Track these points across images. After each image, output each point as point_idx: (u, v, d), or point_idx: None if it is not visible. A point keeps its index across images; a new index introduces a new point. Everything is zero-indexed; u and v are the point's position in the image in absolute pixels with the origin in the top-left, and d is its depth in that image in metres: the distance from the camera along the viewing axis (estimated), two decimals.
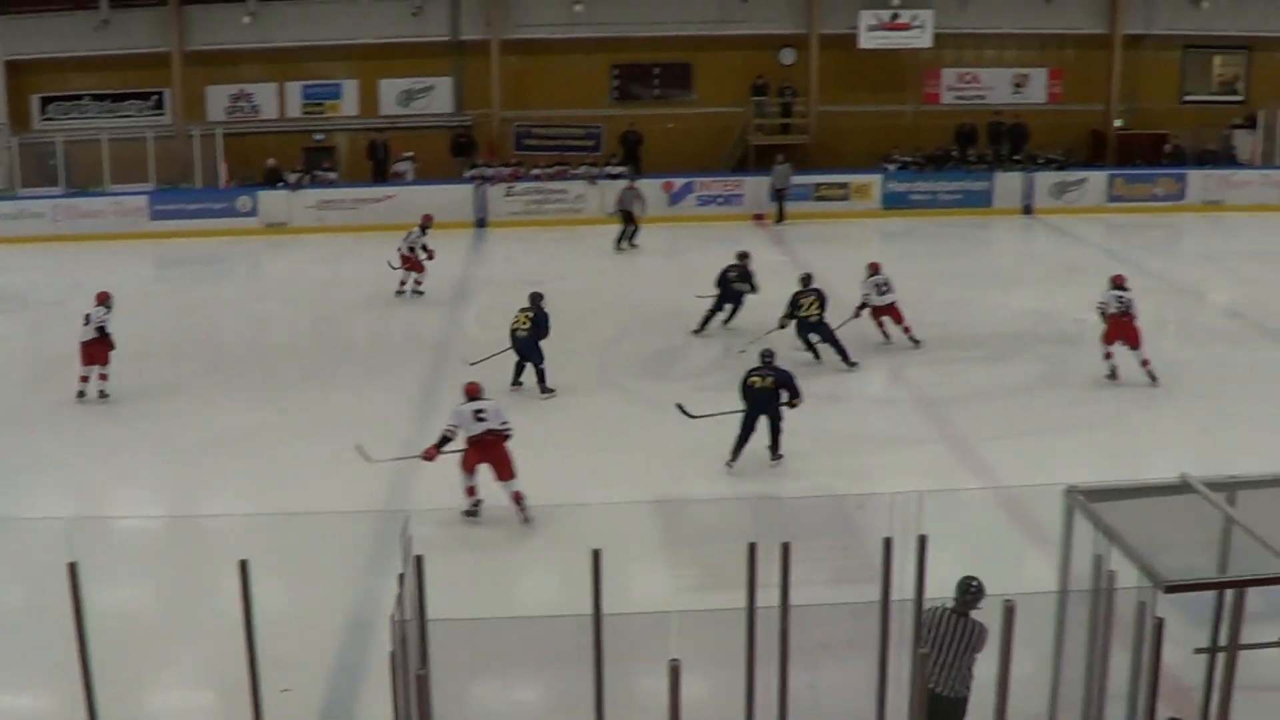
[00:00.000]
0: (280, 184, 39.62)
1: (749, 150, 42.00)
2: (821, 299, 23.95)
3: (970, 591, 10.23)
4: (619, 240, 35.59)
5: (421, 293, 29.56)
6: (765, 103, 42.67)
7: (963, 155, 42.06)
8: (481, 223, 39.16)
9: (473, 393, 17.73)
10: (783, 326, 24.02)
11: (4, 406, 22.55)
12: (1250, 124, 43.74)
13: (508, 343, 22.34)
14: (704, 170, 40.95)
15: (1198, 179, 41.60)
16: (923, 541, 9.64)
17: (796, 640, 9.79)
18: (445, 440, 16.94)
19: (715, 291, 25.97)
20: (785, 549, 9.58)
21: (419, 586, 9.45)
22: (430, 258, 29.43)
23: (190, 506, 17.27)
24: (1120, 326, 22.50)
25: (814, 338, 23.91)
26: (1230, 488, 9.93)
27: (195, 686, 12.50)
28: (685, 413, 19.22)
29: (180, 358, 25.18)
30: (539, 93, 42.60)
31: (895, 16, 41.65)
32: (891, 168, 41.05)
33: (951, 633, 10.14)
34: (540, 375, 22.38)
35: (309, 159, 41.60)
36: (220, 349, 25.91)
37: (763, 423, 18.57)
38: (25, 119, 42.75)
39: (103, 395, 22.14)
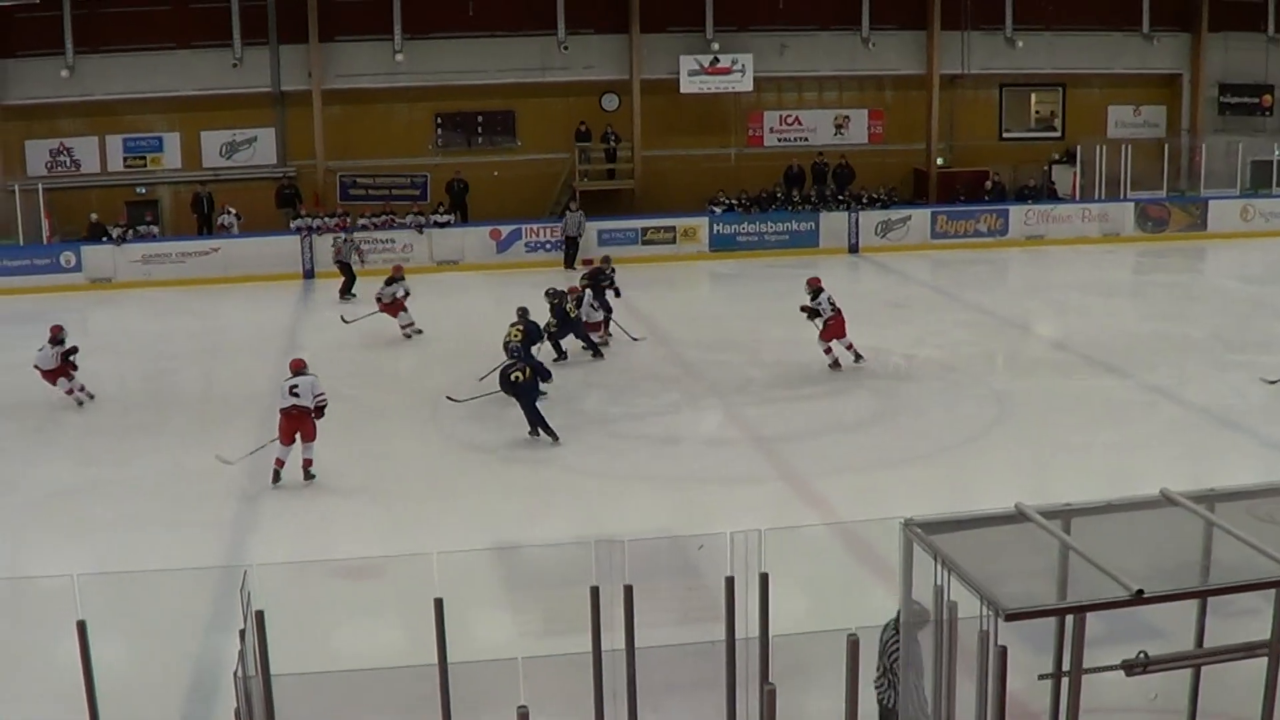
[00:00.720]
0: (104, 239, 39.08)
1: (575, 196, 42.03)
2: (527, 328, 24.78)
3: None
4: (342, 292, 35.71)
5: (420, 331, 30.06)
6: (589, 148, 42.81)
7: (788, 196, 42.46)
8: (310, 274, 38.86)
9: (295, 368, 20.74)
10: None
11: None
12: (1069, 159, 44.67)
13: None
14: (531, 217, 40.87)
15: (1019, 214, 42.52)
16: (765, 579, 9.70)
17: (644, 681, 9.80)
18: None
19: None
20: (628, 591, 9.61)
21: (261, 642, 9.35)
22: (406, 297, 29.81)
23: (21, 567, 16.92)
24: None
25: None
26: (1065, 515, 10.07)
27: None
28: (453, 400, 22.30)
29: (7, 416, 24.68)
30: (363, 142, 42.43)
31: (715, 61, 42.11)
32: (718, 210, 41.35)
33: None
34: (544, 375, 24.43)
35: (132, 213, 41.05)
36: (47, 407, 25.40)
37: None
38: None
39: None
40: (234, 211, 40.38)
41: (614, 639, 9.68)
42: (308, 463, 20.25)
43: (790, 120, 44.79)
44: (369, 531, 17.28)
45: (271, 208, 41.02)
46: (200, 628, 13.98)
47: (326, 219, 39.89)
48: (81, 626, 8.96)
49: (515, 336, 24.35)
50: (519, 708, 8.62)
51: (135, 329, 32.82)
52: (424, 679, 9.47)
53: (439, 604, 9.26)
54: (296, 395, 20.13)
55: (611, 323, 28.81)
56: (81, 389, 25.46)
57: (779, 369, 26.14)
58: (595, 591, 9.60)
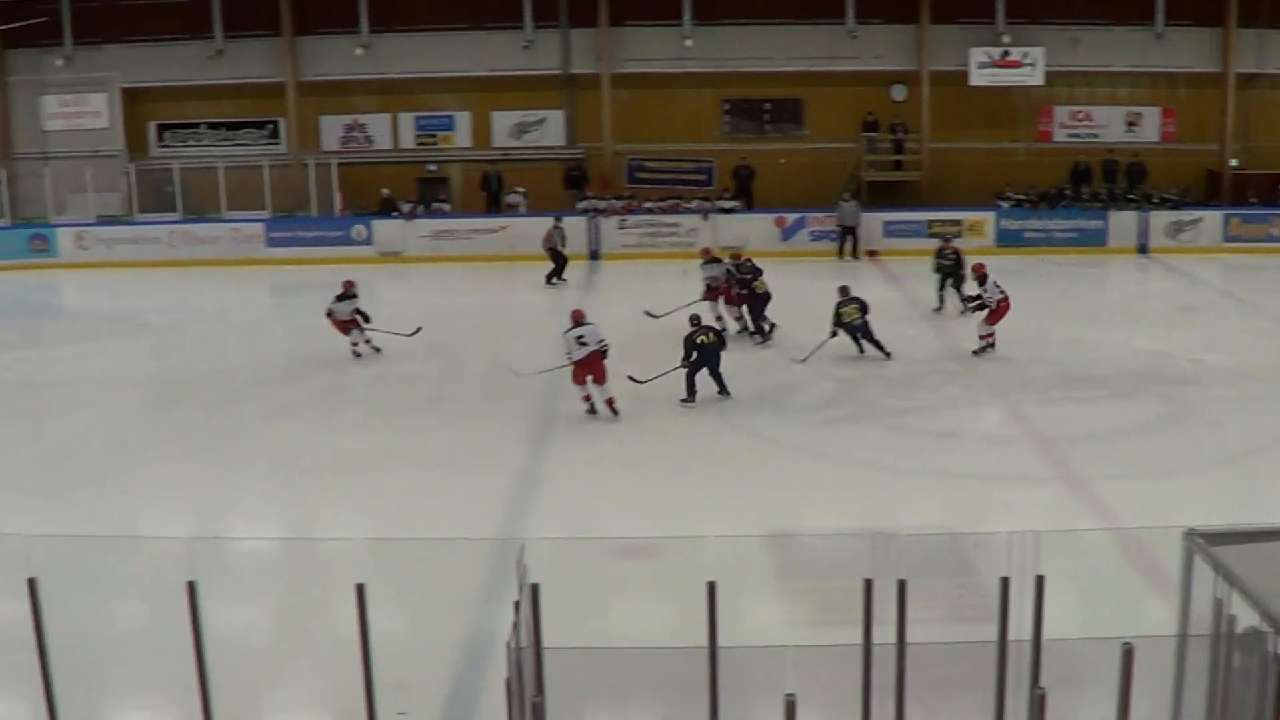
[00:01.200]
0: (394, 214, 39.95)
1: (861, 186, 41.86)
2: (862, 305, 26.48)
3: None
4: (549, 277, 35.95)
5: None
6: (877, 139, 42.58)
7: (1077, 193, 41.74)
8: (595, 255, 39.28)
9: (576, 318, 23.34)
10: (834, 335, 26.26)
11: (125, 428, 22.88)
12: None
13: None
14: (816, 206, 40.80)
15: None
16: (1040, 582, 9.56)
17: (912, 678, 9.73)
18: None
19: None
20: (901, 586, 9.54)
21: (535, 614, 9.47)
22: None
23: (308, 529, 17.38)
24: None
25: (859, 337, 26.42)
26: None
27: (311, 708, 12.57)
28: (635, 380, 23.24)
29: (297, 383, 25.42)
30: (650, 126, 42.75)
31: (1006, 54, 41.55)
32: (1005, 205, 40.78)
33: None
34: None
35: (423, 189, 41.95)
36: (336, 374, 26.09)
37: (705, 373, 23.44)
38: (143, 146, 43.45)
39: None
40: (522, 191, 41.00)
41: (883, 633, 9.63)
42: (610, 401, 22.65)
43: (1081, 116, 43.96)
44: (646, 511, 17.39)
45: (558, 188, 41.53)
46: (475, 598, 14.21)
47: (613, 201, 40.30)
48: (360, 589, 9.16)
49: (854, 315, 26.26)
50: (786, 696, 8.59)
51: (424, 303, 33.42)
52: (692, 661, 9.50)
53: (712, 587, 9.29)
54: (584, 343, 22.56)
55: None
56: (368, 342, 27.26)
57: (1062, 368, 25.73)
58: (869, 584, 9.54)
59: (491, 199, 41.84)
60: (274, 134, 43.59)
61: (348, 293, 27.07)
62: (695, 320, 24.45)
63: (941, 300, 30.99)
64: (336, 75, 42.67)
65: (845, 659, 9.77)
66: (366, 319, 27.07)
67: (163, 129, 44.14)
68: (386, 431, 22.04)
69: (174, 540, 10.03)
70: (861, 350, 26.43)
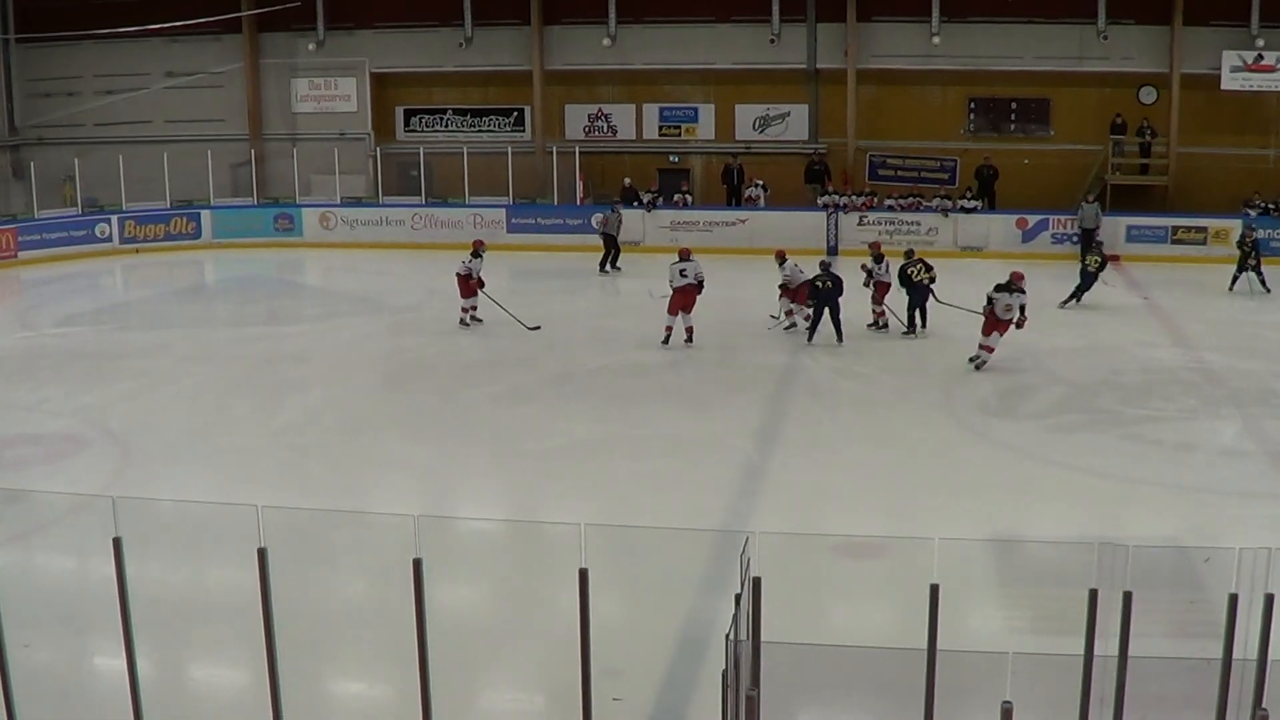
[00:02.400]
0: (635, 203, 40.19)
1: (1106, 190, 41.18)
2: (927, 265, 28.79)
3: None
4: (602, 264, 36.36)
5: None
6: (1124, 142, 41.86)
7: None
8: (833, 250, 39.17)
9: (682, 254, 27.29)
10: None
11: (358, 406, 23.31)
12: None
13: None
14: (1059, 208, 40.20)
15: None
16: (1269, 600, 9.32)
17: (1132, 692, 9.54)
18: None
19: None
20: (1127, 598, 9.35)
21: (755, 608, 9.43)
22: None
23: (533, 512, 17.54)
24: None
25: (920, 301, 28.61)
26: None
27: (527, 689, 12.67)
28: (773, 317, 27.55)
29: (532, 367, 25.68)
30: (893, 123, 42.54)
31: (1259, 58, 40.58)
32: (1252, 213, 39.77)
33: None
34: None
35: (664, 180, 42.14)
36: (570, 361, 26.32)
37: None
38: (389, 130, 44.29)
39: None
40: (762, 184, 41.02)
41: (1105, 645, 9.45)
42: (689, 330, 26.95)
43: None
44: (871, 510, 17.31)
45: (799, 183, 41.52)
46: (695, 588, 14.21)
47: (854, 197, 40.17)
48: (583, 574, 9.20)
49: (922, 275, 28.51)
50: (1003, 703, 8.49)
51: (657, 293, 33.56)
52: (910, 663, 9.41)
53: (935, 590, 9.19)
54: (685, 276, 26.78)
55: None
56: (474, 310, 28.99)
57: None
58: (1094, 594, 9.38)
59: (731, 192, 41.92)
60: (519, 121, 44.13)
61: (477, 251, 28.46)
62: (822, 266, 27.30)
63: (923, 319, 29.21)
64: (582, 65, 43.12)
65: (1065, 669, 9.61)
66: (481, 285, 28.55)
67: (409, 114, 44.94)
68: (615, 419, 22.19)
69: (401, 517, 10.14)
70: (912, 321, 28.67)
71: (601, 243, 37.58)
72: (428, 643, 9.48)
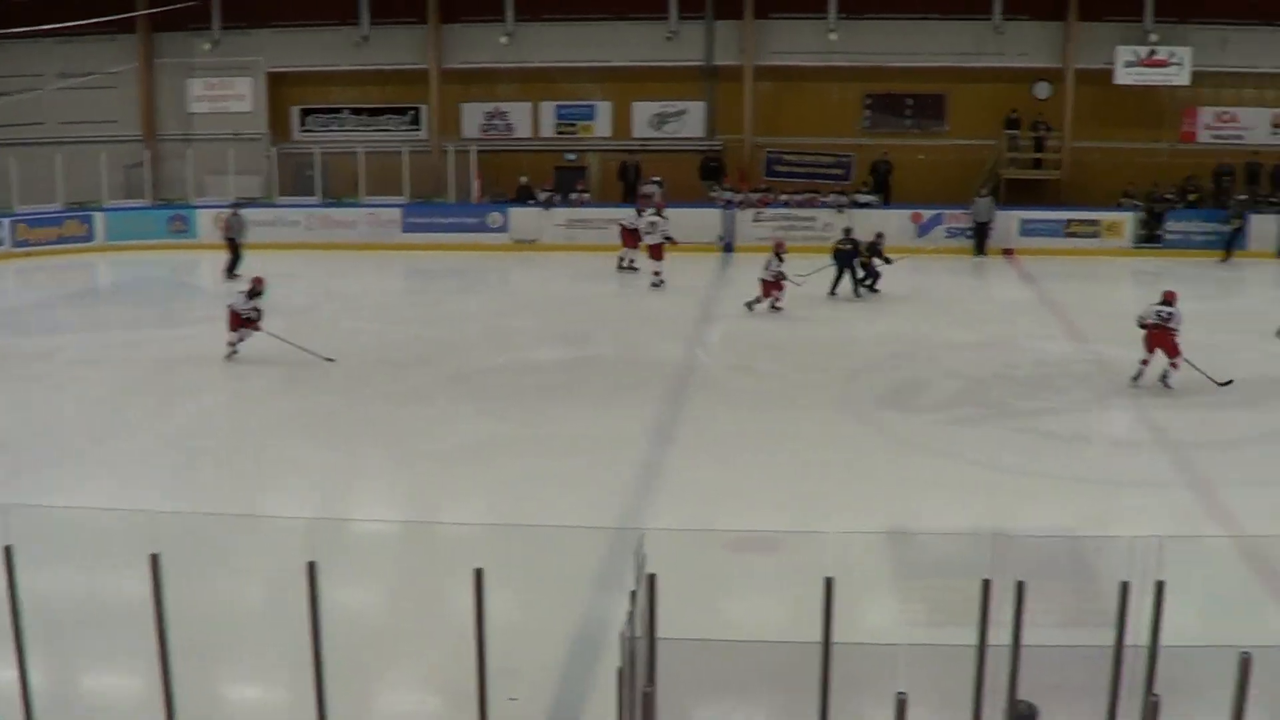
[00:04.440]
0: (531, 201, 40.15)
1: (1000, 184, 41.52)
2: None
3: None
4: (227, 270, 35.74)
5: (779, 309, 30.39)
6: (1018, 136, 42.26)
7: (1219, 196, 41.16)
8: (728, 247, 39.27)
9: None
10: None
11: (254, 408, 23.23)
12: None
13: None
14: (953, 203, 40.50)
15: None
16: (1160, 588, 9.43)
17: (1026, 681, 9.62)
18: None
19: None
20: (1020, 588, 9.43)
21: (650, 605, 9.45)
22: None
23: (431, 512, 17.49)
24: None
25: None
26: None
27: (423, 690, 12.63)
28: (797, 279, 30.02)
29: (430, 367, 25.59)
30: (790, 120, 42.72)
31: (1153, 53, 41.08)
32: (1126, 203, 40.41)
33: None
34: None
35: (561, 178, 42.12)
36: (467, 361, 26.25)
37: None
38: (285, 129, 44.05)
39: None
40: (658, 181, 41.06)
41: (997, 635, 9.53)
42: (657, 273, 32.29)
43: (1226, 117, 43.32)
44: (767, 505, 17.37)
45: (694, 180, 41.57)
46: (592, 586, 14.22)
47: (750, 194, 40.27)
48: (478, 574, 9.18)
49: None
50: (898, 694, 8.53)
51: (555, 291, 33.58)
52: (805, 656, 9.44)
53: (829, 583, 9.22)
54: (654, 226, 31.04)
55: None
56: (238, 343, 26.34)
57: (1195, 373, 25.36)
58: (986, 584, 9.45)
59: (628, 189, 41.94)
60: (415, 120, 43.98)
61: (255, 290, 26.54)
62: (844, 231, 31.24)
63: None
64: (480, 63, 43.04)
65: (959, 659, 9.68)
66: (253, 321, 26.27)
67: (305, 113, 44.72)
68: (513, 417, 22.10)
69: (296, 520, 10.06)
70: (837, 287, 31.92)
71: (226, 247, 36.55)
72: (323, 646, 9.43)
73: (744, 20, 42.02)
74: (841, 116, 43.17)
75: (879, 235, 33.22)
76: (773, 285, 29.61)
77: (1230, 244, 39.12)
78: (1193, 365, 24.04)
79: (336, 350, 25.79)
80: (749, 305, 29.80)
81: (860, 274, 32.13)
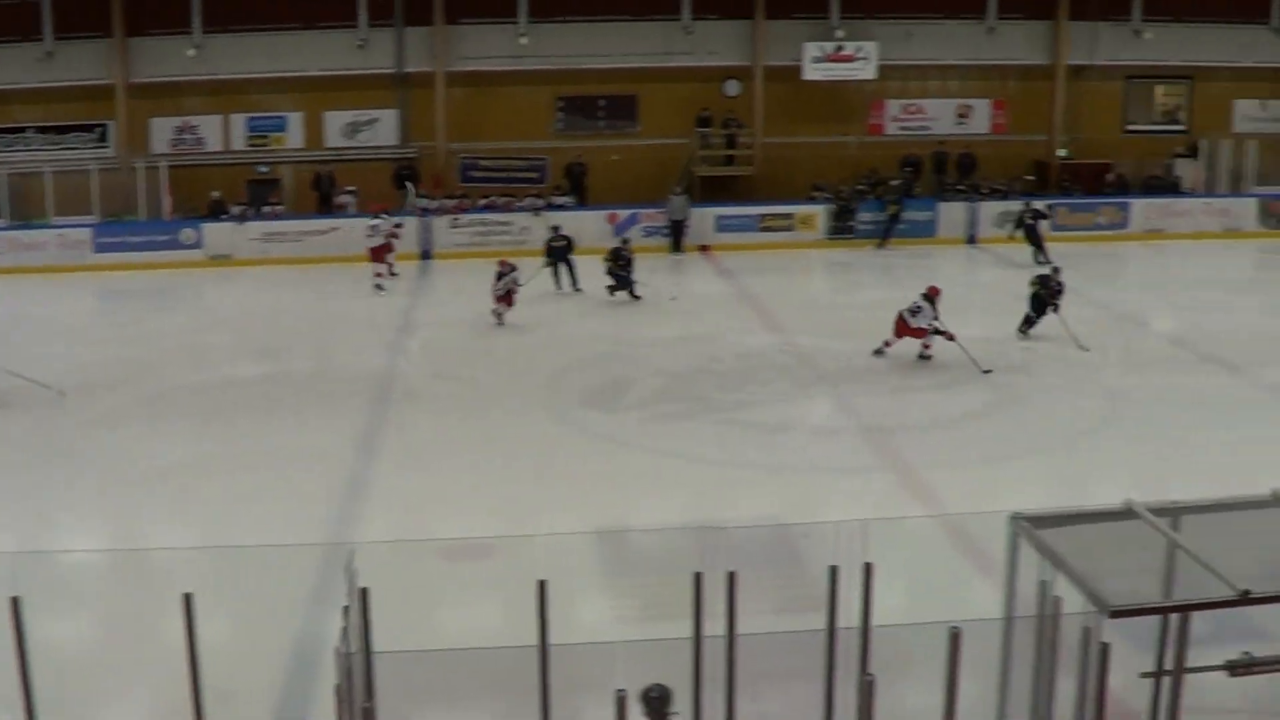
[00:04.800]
0: (225, 216, 39.52)
1: (694, 182, 42.00)
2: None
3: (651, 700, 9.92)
4: None
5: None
6: (710, 134, 42.77)
7: (909, 185, 42.23)
8: (426, 255, 39.11)
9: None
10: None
11: None
12: (1192, 153, 44.25)
13: None
14: (649, 202, 40.82)
15: (1140, 208, 42.12)
16: (868, 570, 9.65)
17: (743, 669, 9.76)
18: None
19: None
20: (731, 578, 9.57)
21: (364, 619, 9.40)
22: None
23: (134, 539, 17.10)
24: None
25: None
26: (1174, 513, 9.97)
27: (140, 719, 12.40)
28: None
29: (124, 390, 24.99)
30: (484, 125, 42.61)
31: (839, 48, 41.96)
32: (818, 195, 41.34)
33: None
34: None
35: (253, 191, 41.50)
36: (164, 380, 25.73)
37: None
38: None
39: None
40: (352, 190, 40.71)
41: (714, 626, 9.66)
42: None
43: (912, 109, 44.51)
44: (477, 511, 17.35)
45: (391, 189, 41.27)
46: (304, 604, 14.07)
47: (445, 200, 40.12)
48: (188, 599, 9.04)
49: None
50: (617, 691, 8.60)
51: (252, 307, 33.13)
52: (523, 660, 9.47)
53: (542, 586, 9.26)
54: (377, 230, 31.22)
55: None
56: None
57: (891, 359, 25.97)
58: (698, 577, 9.58)
59: (323, 200, 41.50)
60: (103, 137, 42.88)
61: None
62: (553, 229, 31.71)
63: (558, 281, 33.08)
64: (168, 76, 42.04)
65: (676, 653, 9.79)
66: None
67: None
68: (214, 436, 21.73)
69: None
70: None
71: None
72: (32, 682, 9.21)
73: (434, 27, 41.78)
74: (535, 120, 43.22)
75: (625, 241, 33.72)
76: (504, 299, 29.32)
77: (888, 231, 40.35)
78: (964, 350, 25.05)
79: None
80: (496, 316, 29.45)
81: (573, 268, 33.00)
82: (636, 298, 31.61)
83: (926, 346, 25.64)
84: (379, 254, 34.23)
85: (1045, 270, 27.28)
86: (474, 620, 14.41)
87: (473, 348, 27.67)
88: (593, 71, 42.52)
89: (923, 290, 25.87)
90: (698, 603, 9.61)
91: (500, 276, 29.01)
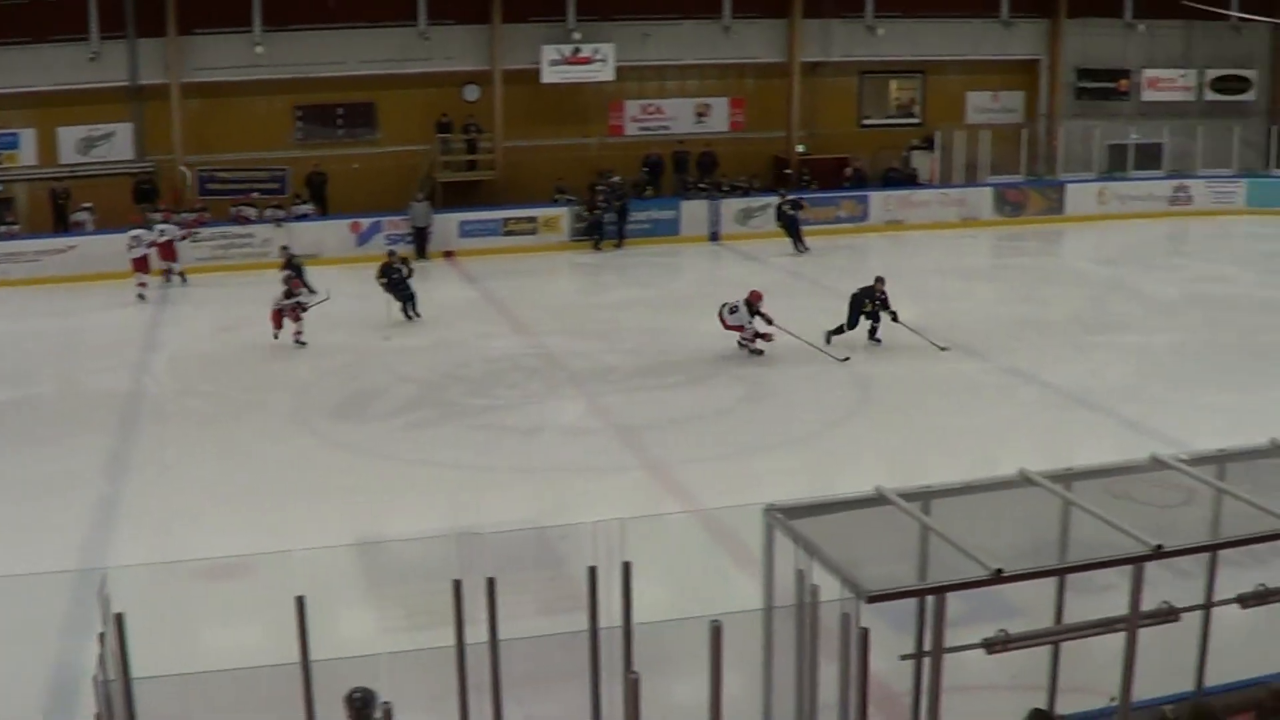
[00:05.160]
0: None
1: (436, 188, 41.84)
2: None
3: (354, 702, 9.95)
4: None
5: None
6: (450, 140, 42.64)
7: (653, 185, 42.55)
8: (169, 272, 38.39)
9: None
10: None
11: None
12: (928, 145, 45.25)
13: None
14: (392, 210, 40.53)
15: (879, 200, 43.07)
16: (627, 568, 9.69)
17: (509, 674, 9.77)
18: None
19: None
20: (491, 584, 9.56)
21: (121, 645, 9.22)
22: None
23: None
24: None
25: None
26: (925, 497, 10.16)
27: None
28: None
29: None
30: (222, 136, 41.91)
31: (577, 51, 42.11)
32: (559, 198, 41.44)
33: None
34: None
35: None
36: None
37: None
38: None
39: None
40: (89, 207, 39.77)
41: (478, 632, 9.64)
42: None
43: (652, 109, 44.87)
44: (231, 531, 17.07)
45: (129, 204, 40.46)
46: (59, 633, 13.78)
47: (186, 214, 39.43)
48: None
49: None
50: (383, 704, 8.56)
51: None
52: (287, 678, 9.38)
53: (300, 602, 9.17)
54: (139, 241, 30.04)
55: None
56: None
57: (640, 357, 26.22)
58: (457, 585, 9.55)
59: (59, 217, 40.55)
60: None
61: None
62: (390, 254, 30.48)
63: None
64: None
65: (441, 661, 9.76)
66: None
67: None
68: None
69: None
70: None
71: None
72: None
73: (168, 38, 40.97)
74: (273, 130, 42.62)
75: (391, 252, 33.08)
76: (281, 314, 28.54)
77: (620, 230, 40.72)
78: (913, 330, 26.08)
79: None
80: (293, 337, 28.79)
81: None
82: (415, 315, 30.47)
83: (749, 341, 26.20)
84: (141, 265, 33.69)
85: (868, 283, 27.32)
86: (237, 640, 14.22)
87: (219, 363, 27.25)
88: (330, 80, 42.05)
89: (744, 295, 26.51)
90: (459, 610, 9.59)
91: (289, 294, 28.29)
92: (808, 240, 38.53)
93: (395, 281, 30.25)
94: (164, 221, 36.21)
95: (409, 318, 30.18)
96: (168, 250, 35.34)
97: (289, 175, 41.67)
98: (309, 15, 41.47)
